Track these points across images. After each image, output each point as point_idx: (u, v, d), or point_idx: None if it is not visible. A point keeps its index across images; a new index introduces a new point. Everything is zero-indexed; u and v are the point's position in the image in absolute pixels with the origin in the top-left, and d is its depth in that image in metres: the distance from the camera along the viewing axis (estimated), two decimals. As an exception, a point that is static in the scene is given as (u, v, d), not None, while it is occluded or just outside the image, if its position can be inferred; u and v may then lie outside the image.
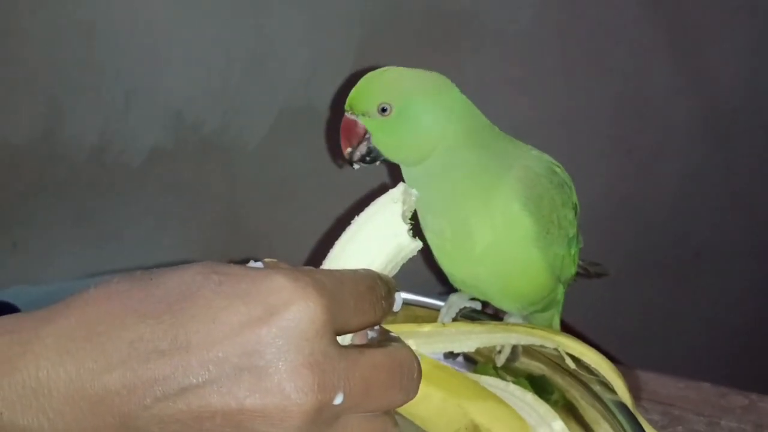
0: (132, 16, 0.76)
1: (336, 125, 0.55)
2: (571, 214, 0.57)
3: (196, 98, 0.80)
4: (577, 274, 0.68)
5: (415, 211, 0.37)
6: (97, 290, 0.29)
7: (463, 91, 0.55)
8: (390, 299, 0.34)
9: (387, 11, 0.81)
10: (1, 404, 0.27)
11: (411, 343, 0.57)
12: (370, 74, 0.53)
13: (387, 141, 0.53)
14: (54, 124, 0.78)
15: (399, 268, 0.36)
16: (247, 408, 0.28)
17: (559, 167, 0.56)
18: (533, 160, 0.55)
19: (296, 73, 0.82)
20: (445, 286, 0.63)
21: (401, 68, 0.54)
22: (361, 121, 0.52)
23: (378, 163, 0.54)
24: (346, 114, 0.53)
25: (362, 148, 0.53)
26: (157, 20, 0.77)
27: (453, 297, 0.62)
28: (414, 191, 0.36)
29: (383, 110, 0.51)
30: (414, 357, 0.33)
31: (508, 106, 0.84)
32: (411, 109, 0.51)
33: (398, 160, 0.54)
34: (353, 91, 0.53)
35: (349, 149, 0.54)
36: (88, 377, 0.27)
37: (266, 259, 0.37)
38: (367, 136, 0.53)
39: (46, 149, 0.78)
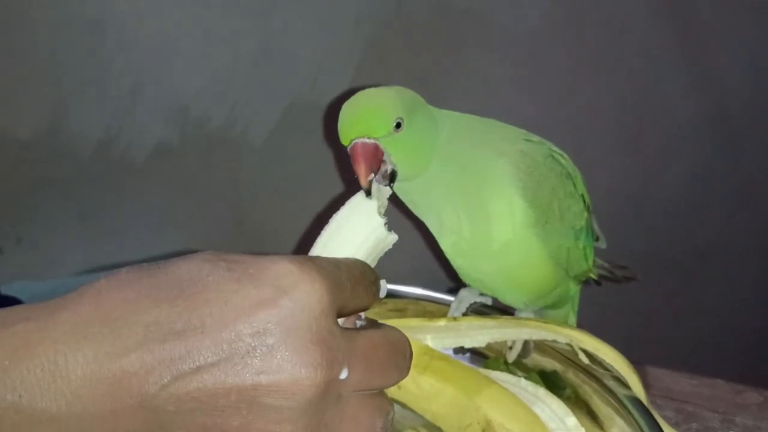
0: (138, 11, 0.75)
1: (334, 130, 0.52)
2: (576, 206, 0.56)
3: (202, 94, 0.80)
4: (604, 278, 0.67)
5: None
6: (108, 280, 0.30)
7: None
8: (377, 285, 0.35)
9: (394, 8, 0.81)
10: (20, 387, 0.28)
11: (422, 337, 0.57)
12: (367, 99, 0.51)
13: (403, 155, 0.51)
14: (59, 119, 0.77)
15: (377, 261, 0.38)
16: (261, 384, 0.29)
17: (563, 157, 0.56)
18: (530, 146, 0.54)
19: (303, 70, 0.81)
20: (455, 282, 0.62)
21: (375, 88, 0.52)
22: (381, 144, 0.50)
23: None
24: (360, 141, 0.50)
25: (383, 172, 0.50)
26: (163, 15, 0.77)
27: (463, 292, 0.61)
28: (386, 188, 0.38)
29: (398, 126, 0.50)
30: (405, 337, 0.35)
31: (515, 105, 0.84)
32: (414, 118, 0.51)
33: (412, 173, 0.52)
34: (360, 118, 0.50)
35: (371, 176, 0.49)
36: (106, 360, 0.28)
37: None
38: (384, 158, 0.50)
39: (51, 144, 0.78)
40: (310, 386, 0.29)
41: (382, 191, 0.38)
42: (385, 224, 0.37)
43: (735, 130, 0.98)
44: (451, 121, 0.54)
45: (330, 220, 0.38)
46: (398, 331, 0.35)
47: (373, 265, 0.37)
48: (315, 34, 0.80)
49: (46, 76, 0.76)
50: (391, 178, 0.50)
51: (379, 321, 0.36)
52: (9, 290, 0.74)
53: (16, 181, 0.79)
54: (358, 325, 0.35)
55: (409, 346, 0.35)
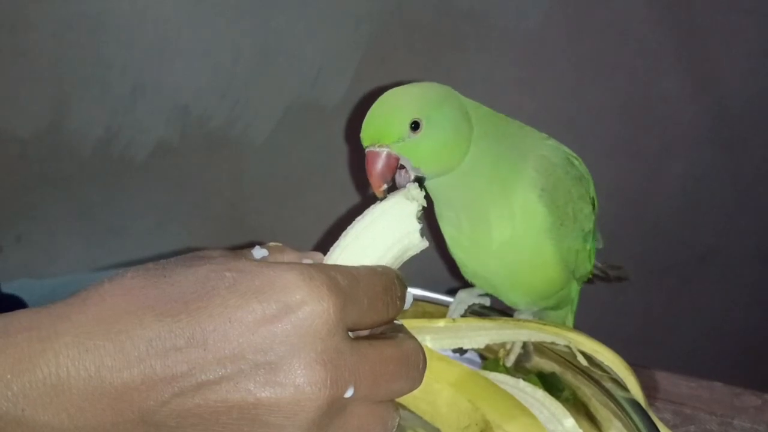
0: (139, 9, 0.76)
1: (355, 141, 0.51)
2: (587, 208, 0.56)
3: (203, 93, 0.80)
4: (597, 276, 0.67)
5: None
6: (111, 285, 0.30)
7: (470, 90, 0.54)
8: (402, 300, 0.34)
9: (395, 8, 0.81)
10: (22, 401, 0.28)
11: (421, 338, 0.57)
12: (384, 100, 0.49)
13: (426, 157, 0.49)
14: (60, 117, 0.77)
15: (401, 264, 0.36)
16: (263, 402, 0.28)
17: (577, 159, 0.56)
18: (549, 150, 0.54)
19: (304, 69, 0.81)
20: (456, 282, 0.62)
21: (403, 86, 0.51)
22: (394, 150, 0.48)
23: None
24: (371, 149, 0.48)
25: (401, 179, 0.49)
26: (164, 14, 0.77)
27: (462, 293, 0.61)
28: (422, 192, 0.36)
29: (415, 127, 0.48)
30: (420, 347, 0.33)
31: (515, 106, 0.83)
32: (438, 116, 0.48)
33: (441, 171, 0.51)
34: (372, 123, 0.49)
35: (384, 186, 0.49)
36: (108, 374, 0.28)
37: (271, 244, 0.37)
38: (399, 164, 0.49)
39: (52, 143, 0.78)
40: (312, 407, 0.29)
41: (420, 194, 0.36)
42: (420, 229, 0.36)
43: (735, 131, 0.98)
44: (483, 116, 0.52)
45: (364, 212, 0.36)
46: (413, 340, 0.33)
47: (396, 268, 0.35)
48: (315, 34, 0.80)
49: (46, 76, 0.76)
50: (418, 181, 0.48)
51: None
52: (9, 288, 0.74)
53: (17, 179, 0.79)
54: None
55: (423, 355, 0.33)
